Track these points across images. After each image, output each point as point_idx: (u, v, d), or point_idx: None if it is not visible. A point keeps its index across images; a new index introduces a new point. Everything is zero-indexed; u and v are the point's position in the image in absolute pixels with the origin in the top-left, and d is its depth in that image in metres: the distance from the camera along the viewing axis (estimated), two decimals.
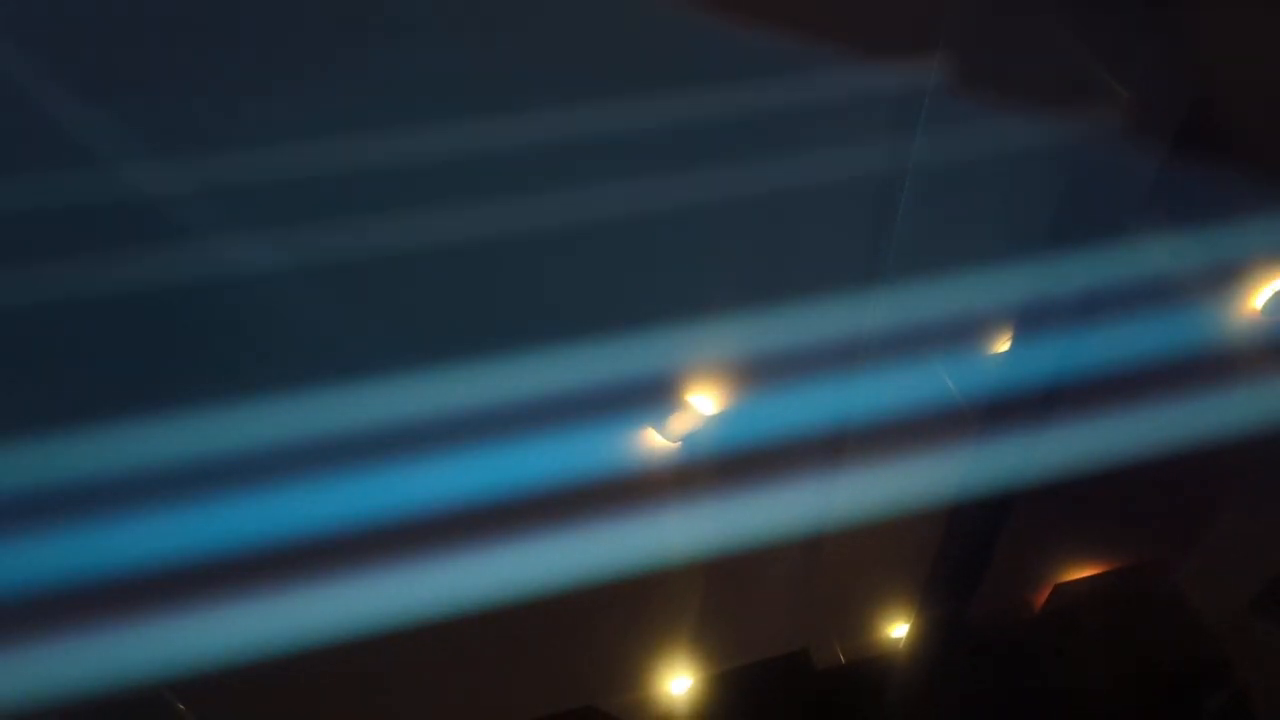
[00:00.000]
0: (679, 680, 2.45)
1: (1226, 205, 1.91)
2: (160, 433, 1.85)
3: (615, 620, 2.42)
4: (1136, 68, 1.89)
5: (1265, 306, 2.03)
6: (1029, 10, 2.03)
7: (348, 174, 2.06)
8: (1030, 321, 2.08)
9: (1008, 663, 2.17)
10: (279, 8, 1.85)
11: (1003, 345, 2.21)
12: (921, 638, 2.27)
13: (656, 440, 2.26)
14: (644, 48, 1.99)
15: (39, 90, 1.69)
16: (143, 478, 1.85)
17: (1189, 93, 1.86)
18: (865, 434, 2.33)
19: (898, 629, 2.48)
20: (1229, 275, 2.03)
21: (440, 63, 2.01)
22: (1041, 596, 2.24)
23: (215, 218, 1.95)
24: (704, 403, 2.25)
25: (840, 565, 2.43)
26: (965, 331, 2.21)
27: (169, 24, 1.83)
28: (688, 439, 2.27)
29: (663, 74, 2.03)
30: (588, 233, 2.10)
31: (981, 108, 2.02)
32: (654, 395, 2.23)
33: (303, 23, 1.94)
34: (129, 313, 1.93)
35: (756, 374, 2.26)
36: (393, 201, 2.07)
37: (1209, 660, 2.15)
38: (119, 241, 1.88)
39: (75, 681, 1.86)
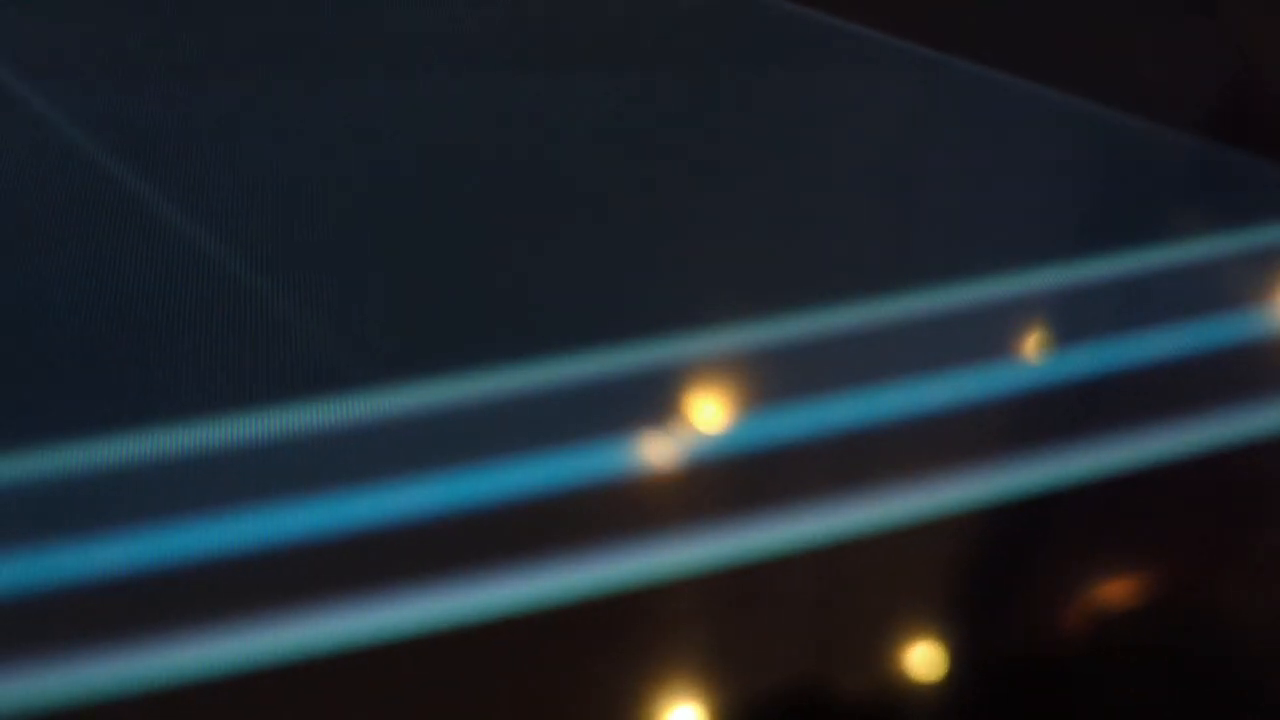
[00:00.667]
0: (683, 712, 2.36)
1: (1268, 201, 1.88)
2: (149, 441, 1.75)
3: (614, 644, 2.34)
4: (1172, 56, 1.85)
5: None
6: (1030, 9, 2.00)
7: (336, 165, 2.00)
8: (1058, 323, 2.04)
9: (1039, 683, 2.09)
10: None
11: (1030, 349, 2.17)
12: (946, 658, 2.19)
13: (661, 450, 2.19)
14: (641, 43, 1.95)
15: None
16: (124, 488, 1.75)
17: (1227, 84, 1.82)
18: (885, 442, 2.27)
19: (921, 650, 2.39)
20: (1270, 273, 2.00)
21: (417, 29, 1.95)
22: (1069, 613, 2.18)
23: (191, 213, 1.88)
24: (711, 410, 2.19)
25: (858, 582, 2.35)
26: (990, 335, 2.17)
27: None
28: (694, 448, 2.20)
29: (664, 72, 2.00)
30: (587, 231, 2.06)
31: (1006, 97, 1.98)
32: (658, 401, 2.17)
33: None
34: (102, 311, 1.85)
35: (768, 380, 2.21)
36: (383, 196, 2.01)
37: (1248, 677, 2.10)
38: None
39: (52, 698, 1.74)
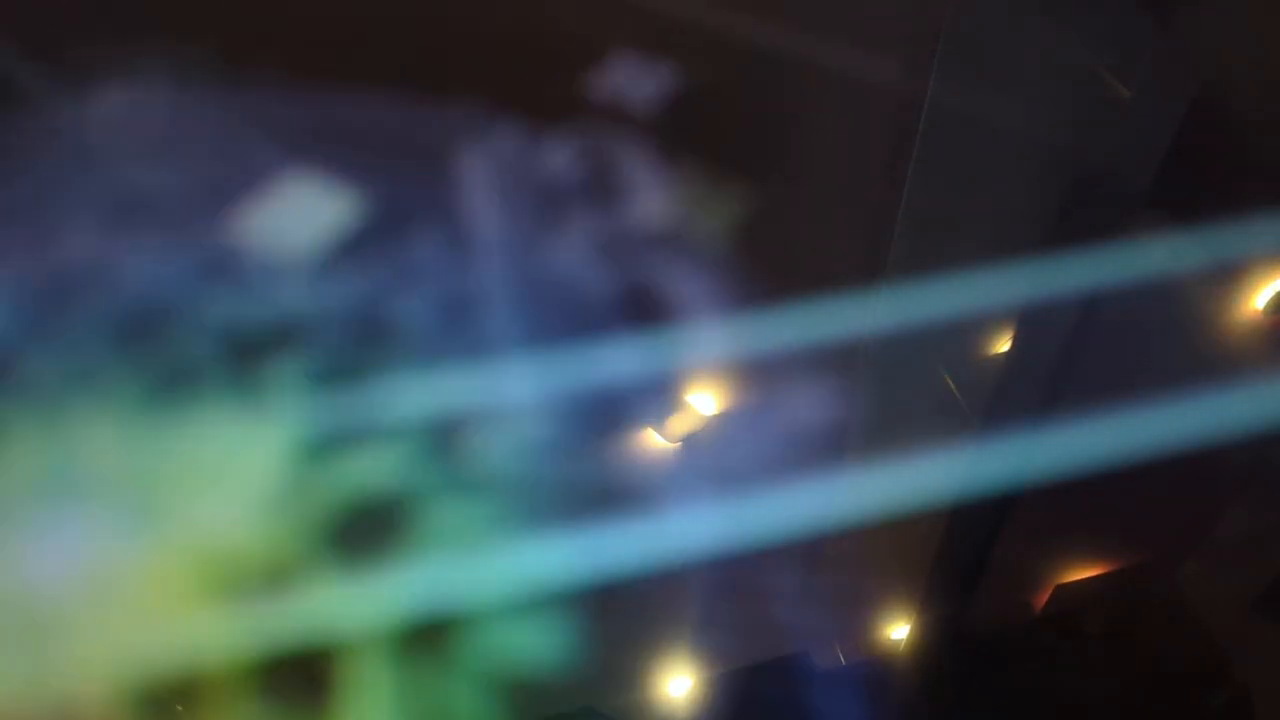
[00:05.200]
0: (679, 681, 2.45)
1: (1226, 205, 1.91)
2: (162, 427, 1.84)
3: (615, 621, 2.41)
4: (1137, 68, 1.89)
5: (1265, 306, 2.03)
6: (1029, 10, 2.03)
7: None
8: (1030, 321, 2.08)
9: (1008, 663, 2.16)
10: None
11: (1003, 345, 2.20)
12: (922, 638, 2.27)
13: (656, 440, 2.26)
14: (642, 43, 1.98)
15: None
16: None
17: (1189, 92, 1.86)
18: (865, 434, 2.33)
19: (898, 630, 2.47)
20: (1229, 275, 2.02)
21: None
22: (1042, 597, 2.24)
23: None
24: (704, 403, 2.25)
25: (841, 566, 2.42)
26: (965, 331, 2.21)
27: None
28: (688, 439, 2.27)
29: (665, 72, 2.02)
30: (587, 230, 2.10)
31: (981, 107, 2.02)
32: (654, 395, 2.23)
33: None
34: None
35: (756, 374, 2.26)
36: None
37: (1210, 660, 2.15)
38: None
39: (76, 679, 1.85)
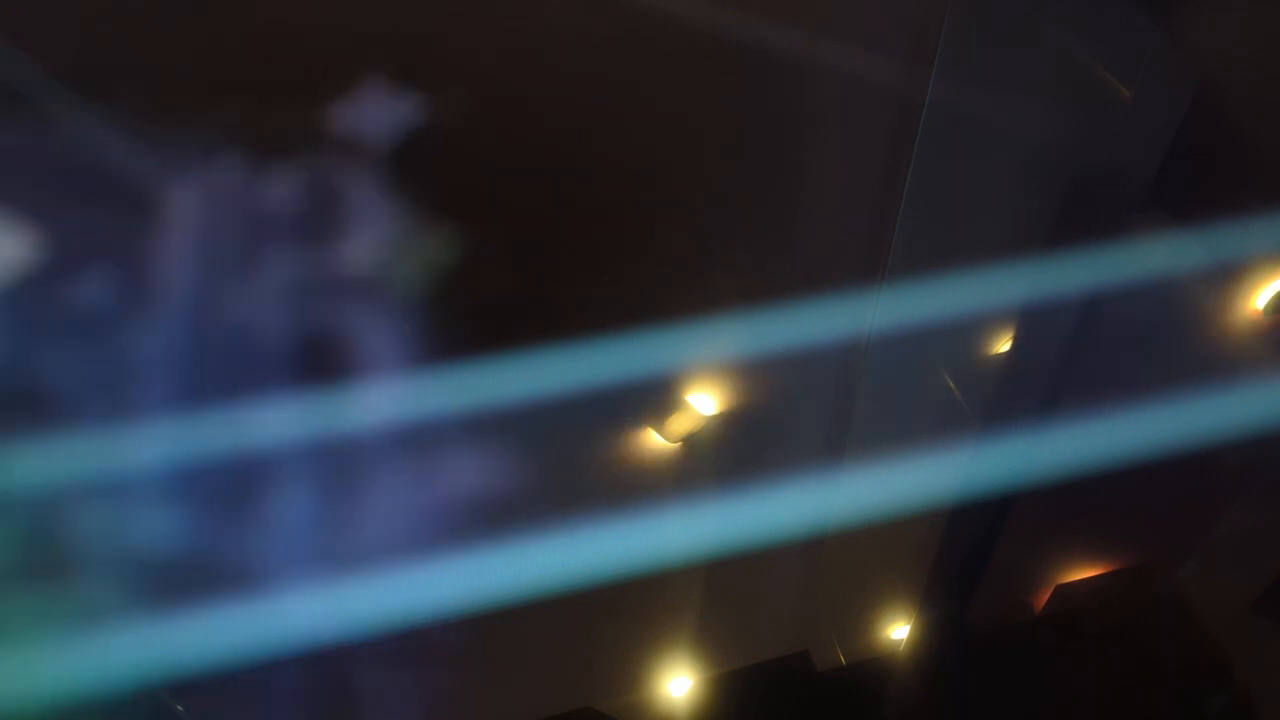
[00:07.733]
0: (678, 681, 2.45)
1: (1226, 205, 1.91)
2: (160, 433, 1.84)
3: (614, 621, 2.41)
4: (1136, 68, 1.89)
5: (1265, 306, 2.03)
6: (1029, 10, 2.03)
7: None
8: (1030, 321, 2.08)
9: (1008, 664, 2.16)
10: None
11: (1003, 345, 2.20)
12: (922, 639, 2.27)
13: (656, 440, 2.26)
14: (646, 41, 1.98)
15: None
16: (141, 477, 1.84)
17: (1189, 93, 1.86)
18: (865, 434, 2.33)
19: (898, 630, 2.47)
20: (1229, 275, 2.03)
21: None
22: (1042, 597, 2.24)
23: None
24: (704, 403, 2.25)
25: (840, 566, 2.43)
26: (965, 331, 2.21)
27: None
28: (688, 439, 2.27)
29: (666, 72, 2.02)
30: (587, 229, 2.10)
31: (981, 107, 2.02)
32: (654, 395, 2.24)
33: None
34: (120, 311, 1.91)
35: (756, 374, 2.26)
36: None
37: (1210, 661, 2.15)
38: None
39: (73, 681, 1.85)
